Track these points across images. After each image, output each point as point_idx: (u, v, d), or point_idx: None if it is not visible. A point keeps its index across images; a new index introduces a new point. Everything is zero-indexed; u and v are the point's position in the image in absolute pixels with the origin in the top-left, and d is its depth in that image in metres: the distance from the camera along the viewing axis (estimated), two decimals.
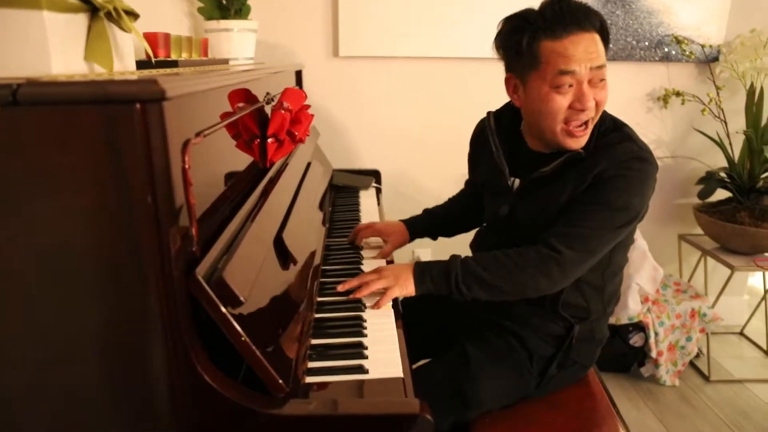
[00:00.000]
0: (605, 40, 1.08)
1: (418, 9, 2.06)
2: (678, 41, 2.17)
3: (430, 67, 2.16)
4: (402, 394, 0.81)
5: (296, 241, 1.08)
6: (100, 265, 0.61)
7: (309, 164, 1.57)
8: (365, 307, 1.09)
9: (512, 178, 1.24)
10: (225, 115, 1.02)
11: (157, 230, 0.59)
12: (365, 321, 1.04)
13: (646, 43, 2.18)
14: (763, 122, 2.10)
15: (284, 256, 0.98)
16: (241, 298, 0.67)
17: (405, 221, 1.47)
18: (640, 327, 2.08)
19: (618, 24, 2.14)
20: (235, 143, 1.12)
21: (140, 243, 0.59)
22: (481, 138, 1.34)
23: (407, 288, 1.12)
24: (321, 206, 1.54)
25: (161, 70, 0.93)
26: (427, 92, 2.19)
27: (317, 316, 1.05)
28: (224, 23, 1.63)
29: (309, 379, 0.84)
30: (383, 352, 0.94)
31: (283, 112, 1.24)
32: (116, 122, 0.55)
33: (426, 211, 1.51)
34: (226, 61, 1.49)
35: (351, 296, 1.11)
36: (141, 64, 0.94)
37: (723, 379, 2.19)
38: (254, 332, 0.73)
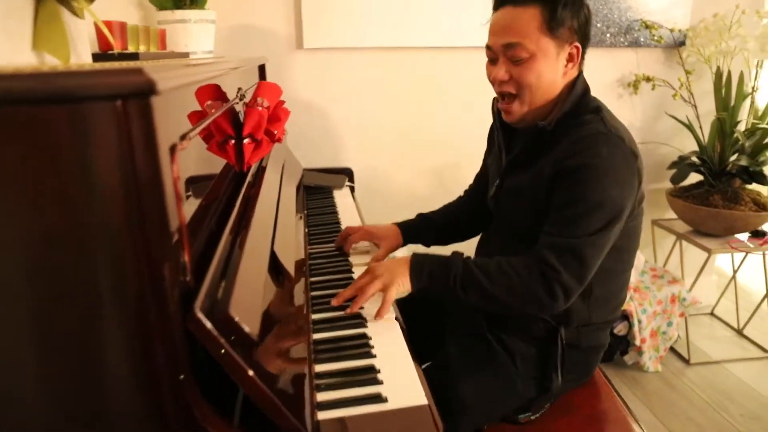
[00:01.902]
0: (554, 17, 1.02)
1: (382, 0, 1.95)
2: (647, 26, 2.15)
3: (399, 57, 2.05)
4: (432, 426, 0.71)
5: (286, 254, 0.96)
6: (73, 307, 0.48)
7: (284, 164, 1.45)
8: (367, 322, 0.98)
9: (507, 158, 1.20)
10: (195, 115, 0.89)
11: (147, 259, 0.46)
12: (371, 339, 0.93)
13: (615, 29, 2.15)
14: (732, 104, 2.11)
15: (278, 272, 0.86)
16: (253, 336, 0.55)
17: (398, 224, 1.36)
18: (623, 315, 2.05)
19: None
20: (206, 146, 0.99)
21: (126, 277, 0.47)
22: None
23: (404, 285, 1.03)
24: (296, 210, 1.41)
25: (124, 63, 0.78)
26: (397, 84, 2.08)
27: (315, 337, 0.93)
28: (180, 14, 1.47)
29: (322, 415, 0.72)
30: (398, 373, 0.83)
31: (259, 109, 1.11)
32: (90, 124, 0.42)
33: (421, 216, 1.41)
34: (186, 55, 1.35)
35: (348, 311, 1.00)
36: (98, 57, 0.79)
37: (702, 361, 2.21)
38: (260, 368, 0.61)
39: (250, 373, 0.53)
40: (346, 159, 2.09)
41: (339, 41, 1.97)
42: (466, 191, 1.46)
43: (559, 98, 1.10)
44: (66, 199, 0.44)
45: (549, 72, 1.06)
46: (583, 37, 1.08)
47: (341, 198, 1.71)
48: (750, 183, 2.14)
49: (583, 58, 1.12)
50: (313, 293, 1.09)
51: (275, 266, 0.85)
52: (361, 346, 0.89)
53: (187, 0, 1.53)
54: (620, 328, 2.06)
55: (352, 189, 1.84)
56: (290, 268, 0.92)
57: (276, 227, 0.98)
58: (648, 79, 2.21)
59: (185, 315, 0.52)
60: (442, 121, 2.14)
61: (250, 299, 0.63)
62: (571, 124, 1.06)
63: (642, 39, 2.18)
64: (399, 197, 2.18)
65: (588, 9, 1.09)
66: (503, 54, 1.08)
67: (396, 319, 1.01)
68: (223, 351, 0.52)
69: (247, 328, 0.55)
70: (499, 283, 1.01)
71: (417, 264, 1.05)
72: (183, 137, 0.60)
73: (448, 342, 1.20)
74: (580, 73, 1.13)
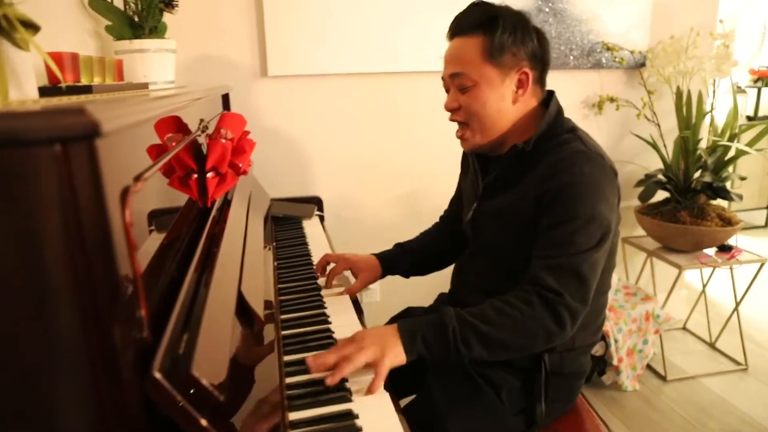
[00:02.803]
0: (496, 46, 1.03)
1: (347, 24, 1.94)
2: (608, 48, 2.19)
3: (365, 83, 2.03)
4: None
5: (254, 293, 0.91)
6: (12, 380, 0.42)
7: (250, 196, 1.40)
8: (352, 395, 0.84)
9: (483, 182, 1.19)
10: (154, 149, 0.84)
11: (97, 323, 0.41)
12: (347, 381, 0.87)
13: (578, 52, 2.18)
14: (693, 122, 2.15)
15: (246, 314, 0.80)
16: (220, 398, 0.49)
17: (378, 256, 1.32)
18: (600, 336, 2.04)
19: (551, 33, 2.13)
20: (167, 181, 0.94)
21: (72, 344, 0.41)
22: None
23: (398, 357, 0.91)
24: (264, 242, 1.36)
25: (74, 98, 0.73)
26: (364, 110, 2.06)
27: (289, 381, 0.87)
28: (138, 43, 1.42)
29: None
30: (377, 418, 0.78)
31: (223, 141, 1.07)
32: (26, 171, 0.37)
33: (398, 246, 1.37)
34: (145, 86, 1.29)
35: (329, 382, 0.85)
36: (45, 91, 0.74)
37: (678, 377, 2.21)
38: (229, 426, 0.56)
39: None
40: (314, 187, 2.05)
41: (304, 68, 1.94)
42: (441, 217, 1.43)
43: (529, 121, 1.10)
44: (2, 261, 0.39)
45: (494, 99, 1.07)
46: (535, 61, 1.08)
47: (311, 227, 1.67)
48: (714, 198, 2.18)
49: (542, 82, 1.12)
50: (285, 332, 1.04)
51: (243, 307, 0.80)
52: (338, 389, 0.84)
53: (146, 29, 1.48)
54: (597, 349, 2.04)
55: (321, 218, 1.79)
56: (259, 308, 0.86)
57: (243, 265, 0.93)
58: (612, 100, 2.24)
59: (143, 377, 0.46)
60: (409, 147, 2.12)
61: (215, 350, 0.58)
62: (549, 145, 1.05)
63: (604, 61, 2.22)
64: (369, 224, 2.14)
65: (539, 33, 1.10)
66: (452, 83, 1.11)
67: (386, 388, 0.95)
68: (183, 409, 0.47)
69: (213, 390, 0.49)
70: (502, 326, 0.94)
71: (407, 331, 0.94)
72: (137, 178, 0.55)
73: (431, 376, 1.16)
74: (552, 94, 1.13)
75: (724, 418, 1.98)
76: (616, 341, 2.04)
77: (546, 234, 1.00)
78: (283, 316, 1.11)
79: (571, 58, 2.18)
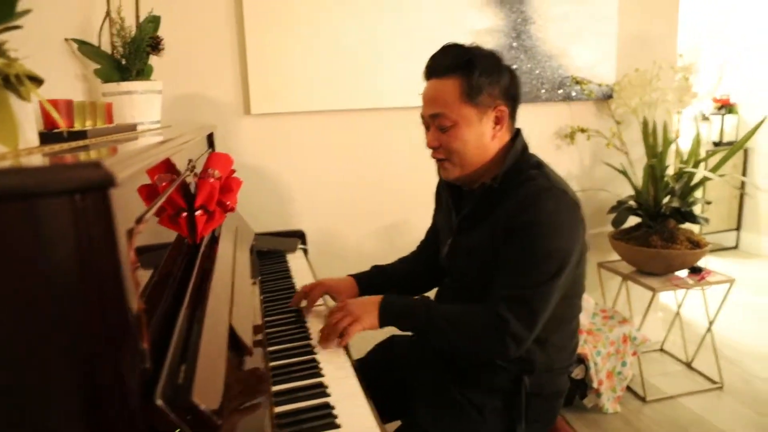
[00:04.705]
0: (472, 87, 1.10)
1: (328, 62, 2.01)
2: (577, 82, 2.30)
3: (346, 119, 2.11)
4: None
5: (244, 326, 0.94)
6: (34, 403, 0.46)
7: (237, 231, 1.43)
8: (329, 389, 0.96)
9: (457, 218, 1.24)
10: (145, 189, 0.88)
11: (110, 355, 0.45)
12: (334, 408, 0.91)
13: (549, 86, 2.29)
14: (659, 150, 2.26)
15: (238, 346, 0.84)
16: (218, 423, 0.53)
17: (355, 276, 1.37)
18: (579, 359, 2.09)
19: (523, 68, 2.23)
20: (157, 219, 0.98)
21: (87, 374, 0.45)
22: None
23: (371, 321, 1.12)
24: (251, 277, 1.39)
25: (73, 143, 0.78)
26: (345, 145, 2.13)
27: (278, 410, 0.91)
28: (126, 85, 1.47)
29: None
30: None
31: (211, 180, 1.11)
32: (48, 220, 0.41)
33: (376, 268, 1.43)
34: (133, 127, 1.34)
35: (322, 345, 1.11)
36: (46, 136, 0.78)
37: (657, 397, 2.26)
38: None
39: None
40: (297, 221, 2.09)
41: (286, 106, 2.00)
42: (418, 246, 1.48)
43: (499, 157, 1.16)
44: (22, 301, 0.43)
45: (474, 137, 1.13)
46: (509, 98, 1.15)
47: (295, 261, 1.70)
48: (683, 222, 2.27)
49: (513, 117, 1.18)
50: (273, 363, 1.07)
51: (234, 340, 0.84)
52: (324, 417, 0.88)
53: (133, 72, 1.54)
54: (577, 372, 2.09)
55: (305, 251, 1.83)
56: (249, 340, 0.90)
57: (233, 298, 0.97)
58: (582, 131, 2.34)
59: (146, 406, 0.50)
60: (390, 181, 2.19)
61: (211, 380, 0.62)
62: (515, 181, 1.11)
63: (574, 94, 2.33)
64: (352, 257, 2.18)
65: (511, 72, 1.16)
66: (432, 123, 1.16)
67: (361, 385, 1.00)
68: None
69: (212, 416, 0.53)
70: (457, 329, 1.10)
71: (386, 304, 1.14)
72: (139, 220, 0.59)
73: (416, 401, 1.20)
74: (518, 131, 1.20)
75: None
76: (595, 364, 2.09)
77: (505, 265, 1.08)
78: (271, 348, 1.14)
79: (543, 91, 2.28)
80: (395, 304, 1.14)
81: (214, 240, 1.21)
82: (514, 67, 2.18)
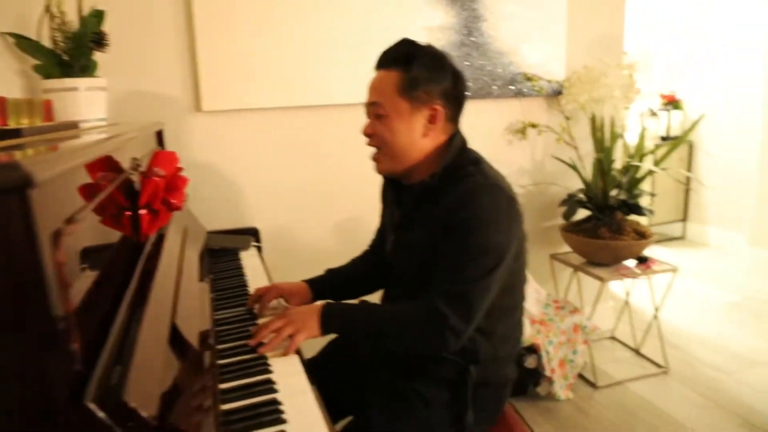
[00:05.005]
0: (410, 81, 1.13)
1: (281, 59, 2.00)
2: (528, 78, 2.35)
3: (299, 116, 2.10)
4: None
5: (190, 325, 0.94)
6: None
7: (185, 230, 1.42)
8: (277, 385, 0.97)
9: (398, 215, 1.26)
10: (85, 189, 0.87)
11: (33, 357, 0.45)
12: (281, 404, 0.92)
13: (501, 82, 2.33)
14: (607, 145, 2.33)
15: (182, 346, 0.84)
16: (153, 424, 0.53)
17: (307, 281, 1.38)
18: (532, 349, 2.15)
19: (474, 65, 2.27)
20: (99, 219, 0.96)
21: (9, 379, 0.45)
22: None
23: (312, 330, 1.12)
24: (201, 276, 1.38)
25: (4, 143, 0.76)
26: (297, 141, 2.12)
27: (225, 407, 0.91)
28: (68, 82, 1.43)
29: None
30: None
31: (156, 178, 1.10)
32: None
33: (329, 271, 1.44)
34: (75, 125, 1.30)
35: (261, 351, 1.08)
36: None
37: (607, 383, 2.34)
38: None
39: None
40: (251, 219, 2.08)
41: (238, 103, 1.98)
42: (370, 245, 1.50)
43: (436, 155, 1.18)
44: None
45: (404, 130, 1.15)
46: (449, 99, 1.17)
47: (248, 259, 1.70)
48: (629, 214, 2.35)
49: (455, 120, 1.20)
50: (222, 361, 1.07)
51: (177, 339, 0.83)
52: (271, 413, 0.88)
53: (76, 68, 1.50)
54: (530, 362, 2.15)
55: (259, 249, 1.82)
56: (194, 340, 0.90)
57: (178, 297, 0.96)
58: (533, 126, 2.40)
59: (76, 407, 0.50)
60: (344, 176, 2.19)
61: (148, 380, 0.61)
62: (453, 178, 1.14)
63: (525, 90, 2.38)
64: (307, 253, 2.18)
65: (456, 75, 1.18)
66: (370, 111, 1.19)
67: (310, 382, 1.01)
68: None
69: (145, 415, 0.53)
70: (397, 329, 1.12)
71: (327, 312, 1.14)
72: (69, 221, 0.59)
73: (367, 396, 1.22)
74: (458, 129, 1.22)
75: (650, 419, 2.11)
76: (547, 353, 2.15)
77: (443, 261, 1.11)
78: (221, 346, 1.14)
79: (495, 87, 2.33)
80: (335, 311, 1.15)
81: (161, 239, 1.19)
82: (466, 63, 2.23)
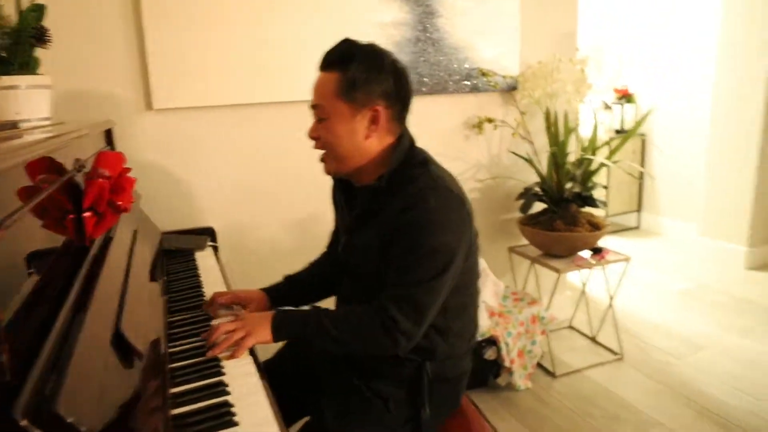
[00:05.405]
0: (348, 84, 1.11)
1: (234, 55, 1.97)
2: (483, 74, 2.38)
3: (253, 112, 2.07)
4: None
5: (138, 331, 0.92)
6: None
7: (135, 232, 1.38)
8: (229, 387, 0.96)
9: (350, 217, 1.26)
10: (24, 191, 0.84)
11: None
12: (233, 406, 0.91)
13: (457, 77, 2.35)
14: (561, 139, 2.38)
15: (127, 352, 0.82)
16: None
17: (265, 289, 1.37)
18: (491, 341, 2.19)
19: (431, 60, 2.28)
20: (41, 222, 0.93)
21: None
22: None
23: (264, 336, 1.11)
24: (154, 277, 1.35)
25: None
26: (253, 139, 2.09)
27: (176, 411, 0.89)
28: (7, 79, 1.37)
29: None
30: None
31: (100, 180, 1.07)
32: None
33: (287, 278, 1.43)
34: (14, 124, 1.25)
35: (210, 354, 1.06)
36: None
37: (565, 372, 2.40)
38: None
39: None
40: (207, 218, 2.04)
41: (190, 100, 1.94)
42: (326, 247, 1.49)
43: (384, 156, 1.17)
44: None
45: (346, 132, 1.14)
46: (391, 98, 1.14)
47: (203, 259, 1.67)
48: (584, 206, 2.41)
49: (400, 119, 1.18)
50: (175, 365, 1.05)
51: (123, 345, 0.81)
52: (223, 415, 0.87)
53: (16, 65, 1.44)
54: (490, 354, 2.18)
55: (215, 248, 1.80)
56: (142, 344, 0.88)
57: (125, 302, 0.94)
58: (490, 121, 2.43)
59: (3, 421, 0.48)
60: (300, 173, 2.17)
61: (88, 389, 0.60)
62: (402, 180, 1.13)
63: (481, 85, 2.41)
64: (265, 252, 2.16)
65: (398, 74, 1.15)
66: (314, 114, 1.18)
67: (264, 383, 1.00)
68: None
69: (81, 424, 0.52)
70: (349, 334, 1.12)
71: (278, 318, 1.14)
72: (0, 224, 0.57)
73: (324, 397, 1.21)
74: (404, 130, 1.20)
75: (606, 405, 2.18)
76: (507, 344, 2.19)
77: (393, 263, 1.11)
78: (173, 349, 1.12)
79: (451, 83, 2.35)
80: (287, 317, 1.14)
81: (109, 242, 1.16)
82: (422, 59, 2.24)
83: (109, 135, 1.67)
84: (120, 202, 1.10)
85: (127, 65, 1.87)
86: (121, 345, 0.82)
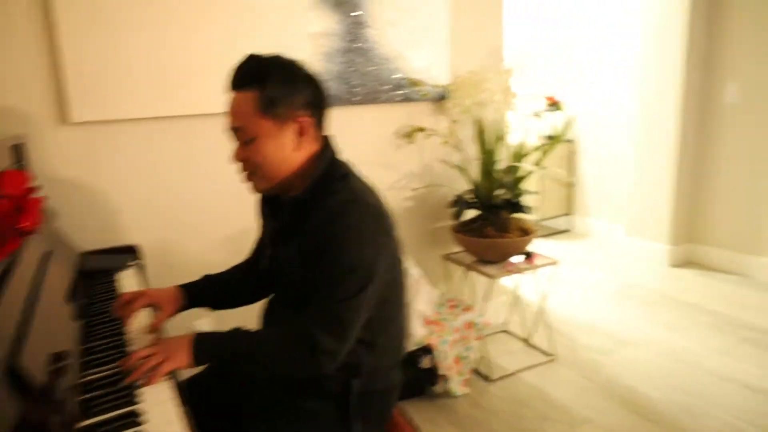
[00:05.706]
0: (268, 100, 1.09)
1: (157, 66, 1.90)
2: (413, 83, 2.41)
3: (177, 125, 2.00)
4: None
5: (40, 361, 0.86)
6: None
7: (49, 253, 1.31)
8: (145, 420, 0.92)
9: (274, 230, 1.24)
10: None
11: None
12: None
13: (388, 87, 2.37)
14: (491, 147, 2.44)
15: (27, 386, 0.77)
16: None
17: (183, 286, 1.33)
18: (427, 350, 2.20)
19: (361, 70, 2.28)
20: None
21: None
22: None
23: (182, 361, 1.07)
24: (70, 301, 1.28)
25: None
26: (179, 152, 2.02)
27: None
28: None
29: None
30: None
31: (1, 201, 1.01)
32: None
33: (206, 277, 1.38)
34: None
35: (127, 381, 1.02)
36: None
37: (501, 375, 2.45)
38: None
39: None
40: (133, 235, 1.96)
41: (112, 113, 1.86)
42: (251, 254, 1.46)
43: (308, 167, 1.16)
44: None
45: (275, 149, 1.12)
46: (312, 108, 1.14)
47: (126, 279, 1.59)
48: (513, 213, 2.47)
49: (321, 125, 1.17)
50: (87, 395, 1.00)
51: (22, 377, 0.76)
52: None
53: None
54: (426, 362, 2.20)
55: (140, 266, 1.72)
56: (42, 376, 0.83)
57: (28, 330, 0.88)
58: (421, 130, 2.46)
59: None
60: (226, 187, 2.11)
61: None
62: (322, 193, 1.13)
63: (412, 95, 2.44)
64: (195, 268, 2.06)
65: (314, 81, 1.15)
66: (237, 137, 1.14)
67: (183, 407, 0.96)
68: None
69: None
70: (270, 357, 1.09)
71: (197, 342, 1.09)
72: None
73: (249, 417, 1.18)
74: (327, 141, 1.19)
75: (540, 407, 2.24)
76: (442, 352, 2.21)
77: (314, 281, 1.09)
78: (90, 377, 1.06)
79: (382, 93, 2.36)
80: (206, 342, 1.10)
81: (14, 267, 1.09)
82: (352, 69, 2.25)
83: (18, 151, 1.57)
84: (24, 224, 1.04)
85: (37, 74, 1.76)
86: (18, 378, 0.77)
